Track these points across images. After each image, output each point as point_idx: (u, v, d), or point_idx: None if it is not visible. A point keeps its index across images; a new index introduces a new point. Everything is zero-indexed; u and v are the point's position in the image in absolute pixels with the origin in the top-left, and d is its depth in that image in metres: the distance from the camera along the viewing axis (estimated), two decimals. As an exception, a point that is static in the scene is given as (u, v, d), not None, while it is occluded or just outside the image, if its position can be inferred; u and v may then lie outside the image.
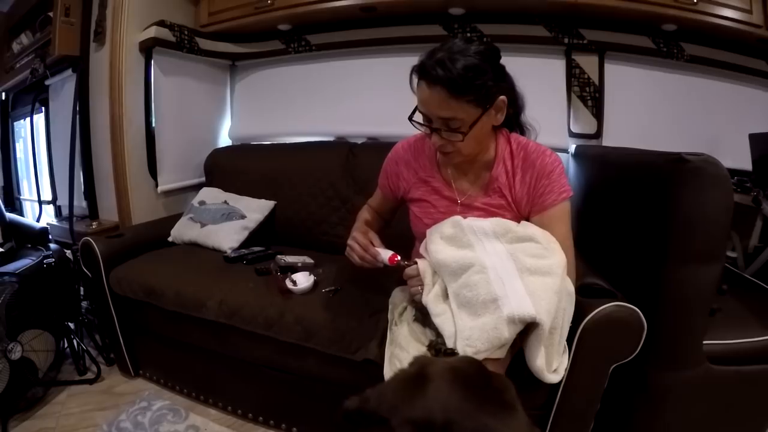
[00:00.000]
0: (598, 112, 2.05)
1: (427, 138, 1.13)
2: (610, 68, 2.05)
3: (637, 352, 1.07)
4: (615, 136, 2.06)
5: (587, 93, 2.05)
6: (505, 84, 1.11)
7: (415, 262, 1.09)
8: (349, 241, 1.21)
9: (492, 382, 0.69)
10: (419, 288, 1.07)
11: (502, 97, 1.06)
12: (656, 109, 2.08)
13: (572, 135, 2.08)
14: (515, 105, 1.20)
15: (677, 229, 1.05)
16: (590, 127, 2.07)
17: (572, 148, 1.96)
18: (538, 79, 2.08)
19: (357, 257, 1.19)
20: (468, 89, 0.99)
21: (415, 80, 1.05)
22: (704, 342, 1.14)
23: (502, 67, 1.10)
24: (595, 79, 2.04)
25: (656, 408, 1.19)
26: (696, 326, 1.12)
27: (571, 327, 1.07)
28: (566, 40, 2.02)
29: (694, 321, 1.11)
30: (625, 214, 1.31)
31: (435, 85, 0.99)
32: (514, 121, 1.23)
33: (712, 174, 1.00)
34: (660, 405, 1.19)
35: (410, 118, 1.10)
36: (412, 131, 1.17)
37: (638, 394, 1.20)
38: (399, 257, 1.13)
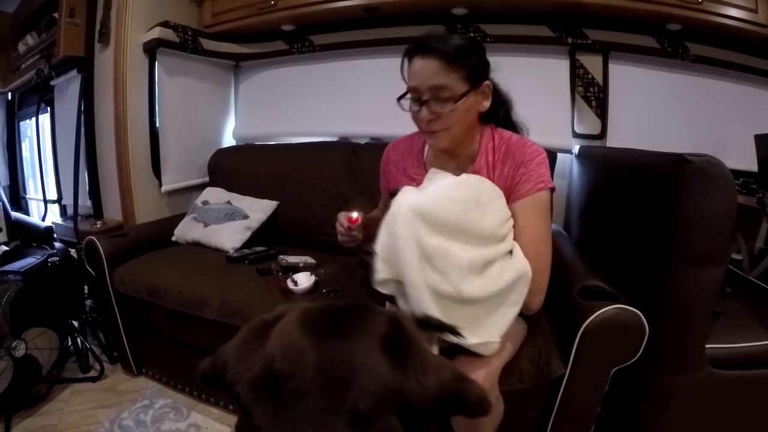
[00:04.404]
0: (602, 113, 2.04)
1: (414, 118, 1.13)
2: (614, 68, 2.04)
3: (638, 355, 1.06)
4: (619, 137, 2.05)
5: (591, 93, 2.04)
6: (488, 75, 1.14)
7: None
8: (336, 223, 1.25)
9: (339, 313, 0.60)
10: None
11: (488, 83, 1.12)
12: (661, 110, 2.06)
13: (576, 136, 2.07)
14: (503, 104, 1.23)
15: (680, 231, 1.05)
16: (594, 128, 2.05)
17: (576, 148, 1.96)
18: (541, 79, 2.09)
19: (339, 234, 1.23)
20: (459, 59, 1.04)
21: (406, 62, 1.10)
22: (707, 346, 1.13)
23: (488, 61, 1.14)
24: (599, 79, 2.03)
25: (657, 411, 1.18)
26: (698, 330, 1.11)
27: (571, 329, 1.07)
28: (570, 40, 2.01)
29: (696, 324, 1.10)
30: (628, 215, 1.30)
31: (429, 55, 1.05)
32: (506, 121, 1.25)
33: (715, 175, 0.99)
34: (661, 408, 1.18)
35: (399, 99, 1.12)
36: (414, 131, 1.17)
37: (639, 398, 1.19)
38: (355, 214, 1.17)
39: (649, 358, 1.08)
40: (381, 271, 0.94)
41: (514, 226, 1.07)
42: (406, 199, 0.97)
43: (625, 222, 1.33)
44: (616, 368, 1.09)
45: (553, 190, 1.12)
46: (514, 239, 1.05)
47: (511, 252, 1.02)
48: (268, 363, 0.53)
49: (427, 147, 1.28)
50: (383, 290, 0.96)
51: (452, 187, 1.01)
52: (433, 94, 1.06)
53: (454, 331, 0.85)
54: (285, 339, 0.55)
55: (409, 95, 1.10)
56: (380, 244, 0.96)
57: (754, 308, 1.30)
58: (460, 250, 0.92)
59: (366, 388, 0.48)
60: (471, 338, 0.91)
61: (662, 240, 1.09)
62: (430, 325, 0.84)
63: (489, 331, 0.94)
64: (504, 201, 1.08)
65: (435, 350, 0.91)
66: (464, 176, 1.08)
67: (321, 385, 0.49)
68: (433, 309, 0.88)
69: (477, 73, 1.08)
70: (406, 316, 0.61)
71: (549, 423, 1.16)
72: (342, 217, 1.21)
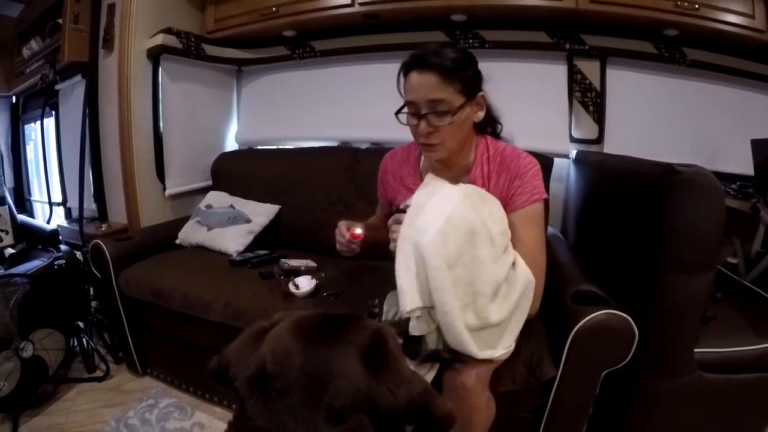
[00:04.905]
0: (599, 118, 2.06)
1: (413, 132, 1.15)
2: (611, 74, 2.06)
3: (628, 359, 1.08)
4: (617, 142, 2.07)
5: (589, 98, 2.06)
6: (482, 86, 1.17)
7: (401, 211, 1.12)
8: (336, 230, 1.27)
9: (329, 322, 0.66)
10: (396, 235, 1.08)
11: (482, 94, 1.14)
12: (658, 115, 2.07)
13: (573, 140, 2.09)
14: (492, 123, 1.26)
15: (668, 239, 1.07)
16: (591, 133, 2.07)
17: (573, 153, 1.97)
18: (539, 84, 2.11)
19: (337, 243, 1.25)
20: (456, 73, 1.07)
21: (402, 80, 1.12)
22: (696, 350, 1.15)
23: (481, 73, 1.16)
24: (597, 84, 2.05)
25: (647, 414, 1.20)
26: (686, 334, 1.13)
27: (563, 333, 1.10)
28: (568, 46, 2.03)
29: (685, 329, 1.12)
30: (621, 221, 1.33)
31: (427, 70, 1.06)
32: (493, 135, 1.29)
33: (703, 185, 1.02)
34: (650, 411, 1.20)
35: (398, 113, 1.15)
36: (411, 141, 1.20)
37: (630, 400, 1.22)
38: (359, 230, 1.18)
39: (639, 362, 1.11)
40: (414, 301, 0.96)
41: (512, 236, 1.10)
42: (427, 226, 0.98)
43: (618, 228, 1.35)
44: (606, 371, 1.12)
45: (546, 200, 1.15)
46: (512, 248, 1.09)
47: (513, 263, 1.06)
48: (261, 363, 0.59)
49: (423, 157, 1.30)
50: (411, 315, 0.97)
51: (458, 204, 1.02)
52: (431, 108, 1.08)
53: (459, 358, 0.96)
54: (277, 343, 0.62)
55: (406, 109, 1.13)
56: (408, 270, 0.97)
57: (745, 312, 1.32)
58: (483, 273, 0.96)
59: (341, 390, 0.55)
60: (496, 352, 1.00)
61: (652, 247, 1.12)
62: (439, 357, 0.95)
63: (507, 340, 1.03)
64: (502, 210, 1.11)
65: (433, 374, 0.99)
66: (463, 187, 1.10)
67: (303, 384, 0.55)
68: (467, 336, 0.94)
69: (472, 86, 1.11)
70: (390, 332, 0.66)
71: (541, 424, 1.18)
72: (343, 227, 1.23)
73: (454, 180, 1.22)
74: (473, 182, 1.19)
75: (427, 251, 0.94)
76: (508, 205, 1.15)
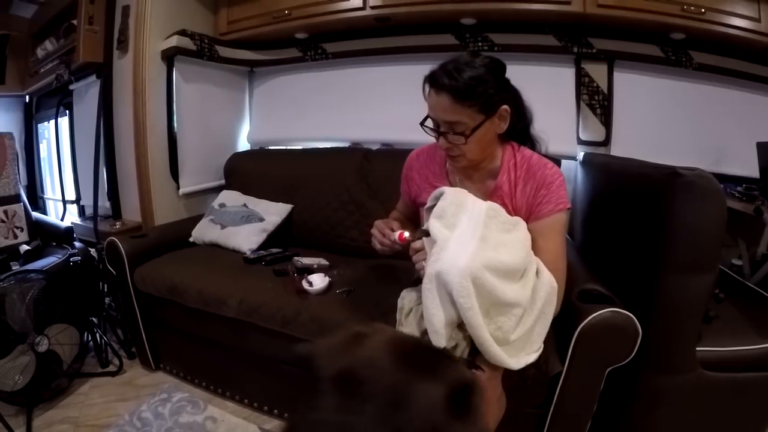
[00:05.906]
0: (606, 120, 2.08)
1: (437, 143, 1.19)
2: (618, 76, 2.07)
3: (631, 356, 1.11)
4: (623, 144, 2.08)
5: (596, 101, 2.07)
6: (509, 95, 1.17)
7: (424, 235, 1.09)
8: (372, 230, 1.27)
9: (423, 351, 0.69)
10: (423, 262, 1.05)
11: (505, 107, 1.13)
12: (665, 117, 2.08)
13: (581, 143, 2.11)
14: (524, 118, 1.26)
15: (670, 239, 1.09)
16: (599, 135, 2.09)
17: (580, 155, 1.99)
18: (547, 87, 2.11)
19: (377, 243, 1.24)
20: (470, 96, 1.07)
21: (427, 88, 1.13)
22: (698, 348, 1.17)
23: (507, 80, 1.17)
24: (604, 87, 2.06)
25: (649, 411, 1.23)
26: (688, 333, 1.16)
27: (569, 330, 1.13)
28: (576, 49, 2.04)
29: (686, 328, 1.15)
30: (625, 222, 1.35)
31: (441, 92, 1.08)
32: (525, 135, 1.29)
33: (704, 188, 1.04)
34: (653, 408, 1.22)
35: (422, 124, 1.17)
36: (425, 138, 1.23)
37: (633, 397, 1.24)
38: (407, 234, 1.15)
39: (642, 359, 1.13)
40: (448, 338, 0.97)
41: (536, 244, 1.13)
42: (452, 267, 0.94)
43: (622, 229, 1.38)
44: (610, 368, 1.14)
45: (569, 209, 1.17)
46: (535, 255, 1.11)
47: (537, 271, 1.08)
48: (354, 365, 0.62)
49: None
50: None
51: (478, 241, 1.01)
52: (448, 128, 1.11)
53: (480, 367, 0.98)
54: (375, 353, 0.64)
55: (429, 121, 1.15)
56: (438, 309, 0.96)
57: (748, 313, 1.34)
58: (511, 292, 0.98)
59: (415, 419, 0.56)
60: (531, 357, 1.03)
61: (655, 248, 1.14)
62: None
63: (536, 343, 1.05)
64: (524, 227, 1.12)
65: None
66: (481, 211, 1.08)
67: (386, 399, 0.57)
68: (504, 356, 0.97)
69: (493, 102, 1.10)
70: (481, 387, 0.68)
71: (547, 419, 1.21)
72: (385, 228, 1.22)
73: (480, 183, 1.25)
74: (500, 187, 1.21)
75: (460, 294, 0.92)
76: (533, 214, 1.17)
